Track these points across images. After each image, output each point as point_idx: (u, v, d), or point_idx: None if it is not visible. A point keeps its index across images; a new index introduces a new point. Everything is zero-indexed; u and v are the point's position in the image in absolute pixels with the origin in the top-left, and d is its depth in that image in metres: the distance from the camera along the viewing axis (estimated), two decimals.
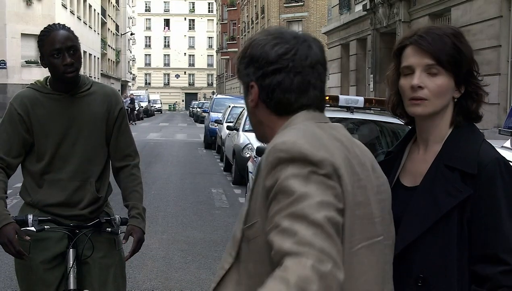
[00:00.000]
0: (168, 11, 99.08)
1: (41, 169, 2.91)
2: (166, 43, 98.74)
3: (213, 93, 69.63)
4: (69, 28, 2.91)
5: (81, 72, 2.91)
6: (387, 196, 1.50)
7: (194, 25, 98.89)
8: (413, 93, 1.73)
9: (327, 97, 6.36)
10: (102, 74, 51.49)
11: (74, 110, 2.90)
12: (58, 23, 2.92)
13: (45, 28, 2.88)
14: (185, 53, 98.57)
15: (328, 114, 7.13)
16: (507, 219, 1.63)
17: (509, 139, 4.36)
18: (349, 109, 6.28)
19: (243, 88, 1.48)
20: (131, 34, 76.60)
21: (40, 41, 2.84)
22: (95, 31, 48.87)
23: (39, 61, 2.91)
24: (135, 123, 37.23)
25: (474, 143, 1.72)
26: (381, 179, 1.49)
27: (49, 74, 2.92)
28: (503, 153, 4.24)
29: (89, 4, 45.88)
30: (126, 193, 3.03)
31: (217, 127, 19.79)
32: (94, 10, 48.80)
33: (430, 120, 1.78)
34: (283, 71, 1.39)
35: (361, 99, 6.34)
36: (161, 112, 69.67)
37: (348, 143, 1.40)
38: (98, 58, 50.53)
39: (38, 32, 2.94)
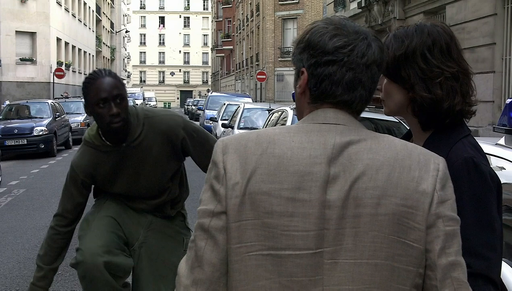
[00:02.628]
0: (163, 8, 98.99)
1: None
2: (161, 41, 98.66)
3: (208, 91, 69.57)
4: (115, 74, 2.81)
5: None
6: (363, 212, 1.28)
7: (189, 23, 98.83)
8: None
9: None
10: None
11: (136, 159, 2.90)
12: (104, 69, 2.81)
13: (90, 74, 2.77)
14: (180, 51, 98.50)
15: None
16: (471, 218, 1.58)
17: (503, 137, 4.38)
18: None
19: (294, 72, 1.45)
20: (126, 31, 76.56)
21: (85, 88, 2.73)
22: (90, 28, 48.79)
23: (84, 109, 2.86)
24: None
25: (448, 143, 1.70)
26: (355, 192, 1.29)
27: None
28: (497, 150, 4.25)
29: (84, 1, 45.79)
30: None
31: (212, 124, 19.79)
32: (89, 7, 48.72)
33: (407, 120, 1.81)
34: (336, 64, 1.35)
35: None
36: None
37: (304, 152, 1.30)
38: (93, 56, 50.46)
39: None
